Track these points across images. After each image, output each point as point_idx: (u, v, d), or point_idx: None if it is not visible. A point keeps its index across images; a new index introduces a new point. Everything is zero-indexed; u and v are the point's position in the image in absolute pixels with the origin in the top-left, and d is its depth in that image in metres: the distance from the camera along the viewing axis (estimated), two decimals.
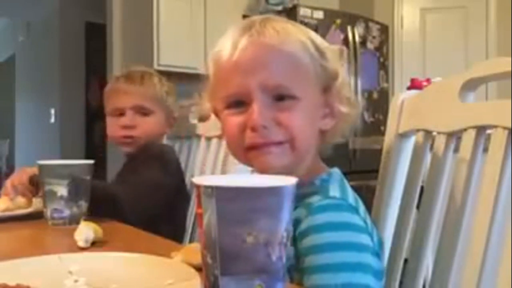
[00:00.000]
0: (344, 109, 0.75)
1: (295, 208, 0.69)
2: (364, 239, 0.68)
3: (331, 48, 0.76)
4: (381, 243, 0.75)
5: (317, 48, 0.73)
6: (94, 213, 0.96)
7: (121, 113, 1.32)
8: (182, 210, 1.36)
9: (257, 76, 0.69)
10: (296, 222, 0.68)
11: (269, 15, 0.76)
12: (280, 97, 0.70)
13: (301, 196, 0.70)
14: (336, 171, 0.77)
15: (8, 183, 1.07)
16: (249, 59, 0.70)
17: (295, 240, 0.68)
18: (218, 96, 0.75)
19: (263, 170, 0.72)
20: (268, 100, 0.70)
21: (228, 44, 0.73)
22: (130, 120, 1.30)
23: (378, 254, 0.72)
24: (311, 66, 0.72)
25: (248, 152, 0.72)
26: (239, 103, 0.72)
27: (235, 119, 0.72)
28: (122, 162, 1.43)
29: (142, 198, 1.15)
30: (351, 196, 0.72)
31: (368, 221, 0.72)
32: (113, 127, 1.33)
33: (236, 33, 0.73)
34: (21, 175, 1.07)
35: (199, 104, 0.84)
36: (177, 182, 1.29)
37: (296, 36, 0.72)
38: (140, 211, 1.11)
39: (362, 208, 0.72)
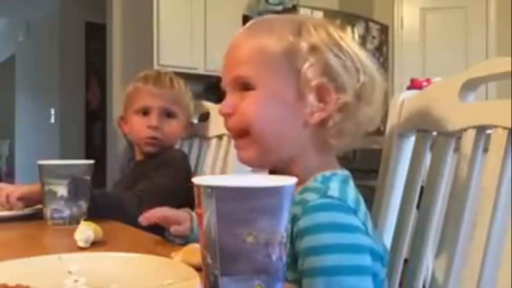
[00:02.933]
0: (340, 98, 0.72)
1: (295, 204, 0.69)
2: (362, 240, 0.67)
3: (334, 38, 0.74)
4: (385, 252, 0.73)
5: (312, 44, 0.73)
6: (96, 217, 0.96)
7: (145, 112, 1.33)
8: None
9: (224, 70, 0.78)
10: (294, 219, 0.67)
11: (280, 15, 0.79)
12: (244, 87, 0.75)
13: (301, 191, 0.71)
14: (342, 171, 0.75)
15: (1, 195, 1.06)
16: (225, 56, 0.78)
17: (292, 238, 0.68)
18: None
19: (242, 164, 0.80)
20: (234, 91, 0.76)
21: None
22: (157, 121, 1.31)
23: (382, 260, 0.70)
24: (283, 56, 0.73)
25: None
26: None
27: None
28: (122, 162, 1.43)
29: (149, 204, 1.16)
30: (352, 198, 0.71)
31: (369, 225, 0.70)
32: (140, 126, 1.33)
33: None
34: (12, 192, 1.06)
35: None
36: (187, 190, 1.29)
37: (275, 33, 0.74)
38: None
39: (362, 211, 0.71)
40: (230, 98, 0.76)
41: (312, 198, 0.68)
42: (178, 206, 1.27)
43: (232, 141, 0.82)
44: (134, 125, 1.35)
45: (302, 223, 0.67)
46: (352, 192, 0.72)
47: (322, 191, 0.69)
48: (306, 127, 0.73)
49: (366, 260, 0.66)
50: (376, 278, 0.68)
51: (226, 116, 0.77)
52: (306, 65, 0.72)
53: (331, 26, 0.76)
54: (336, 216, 0.67)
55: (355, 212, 0.69)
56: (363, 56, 0.75)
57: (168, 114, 1.34)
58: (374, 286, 0.67)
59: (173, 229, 0.82)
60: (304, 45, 0.72)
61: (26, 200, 1.05)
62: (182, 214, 0.88)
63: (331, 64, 0.72)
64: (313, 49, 0.72)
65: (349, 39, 0.76)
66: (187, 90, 1.40)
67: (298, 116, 0.73)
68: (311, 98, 0.72)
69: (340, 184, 0.72)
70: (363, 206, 0.72)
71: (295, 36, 0.73)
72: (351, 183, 0.75)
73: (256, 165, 0.79)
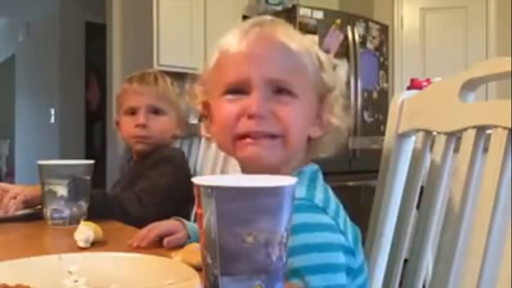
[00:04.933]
0: (334, 120, 0.77)
1: None
2: (333, 237, 0.67)
3: (332, 62, 0.79)
4: (357, 241, 0.72)
5: (318, 58, 0.77)
6: (96, 217, 0.96)
7: (133, 112, 1.34)
8: (190, 216, 1.36)
9: (261, 67, 0.71)
10: None
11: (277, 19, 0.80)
12: (280, 91, 0.72)
13: None
14: (309, 169, 0.75)
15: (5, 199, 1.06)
16: (257, 50, 0.72)
17: None
18: (219, 82, 0.75)
19: (249, 160, 0.72)
20: (269, 92, 0.71)
21: (238, 35, 0.75)
22: (143, 119, 1.32)
23: (353, 253, 0.70)
24: (312, 72, 0.75)
25: (238, 140, 0.72)
26: (238, 91, 0.73)
27: (232, 106, 0.72)
28: (121, 162, 1.43)
29: (149, 203, 1.16)
30: (320, 195, 0.70)
31: (340, 220, 0.70)
32: (127, 126, 1.35)
33: (246, 26, 0.75)
34: (17, 194, 1.06)
35: (189, 93, 0.84)
36: (186, 189, 1.29)
37: (303, 41, 0.77)
38: (146, 217, 1.11)
39: (332, 207, 0.70)
40: (265, 99, 0.70)
41: None
42: (178, 204, 1.28)
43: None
44: (124, 126, 1.37)
45: None
46: (320, 188, 0.72)
47: None
48: (306, 140, 0.77)
49: (338, 257, 0.66)
50: (350, 271, 0.68)
51: (258, 117, 0.70)
52: (325, 83, 0.76)
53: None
54: (305, 216, 0.66)
55: (323, 209, 0.68)
56: (336, 69, 0.81)
57: (156, 111, 1.35)
58: (351, 278, 0.68)
59: (166, 241, 0.79)
60: (322, 61, 0.77)
61: (28, 203, 1.05)
62: (173, 224, 0.85)
63: (327, 82, 0.77)
64: (321, 65, 0.77)
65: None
66: (173, 86, 1.40)
67: (309, 129, 0.76)
68: (325, 115, 0.77)
69: (308, 183, 0.72)
70: (332, 201, 0.72)
71: (312, 49, 0.77)
72: (319, 178, 0.76)
73: (273, 167, 0.71)
